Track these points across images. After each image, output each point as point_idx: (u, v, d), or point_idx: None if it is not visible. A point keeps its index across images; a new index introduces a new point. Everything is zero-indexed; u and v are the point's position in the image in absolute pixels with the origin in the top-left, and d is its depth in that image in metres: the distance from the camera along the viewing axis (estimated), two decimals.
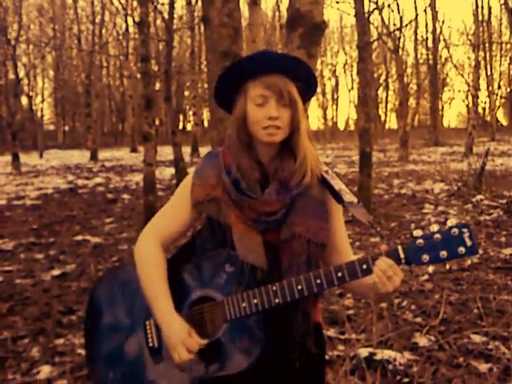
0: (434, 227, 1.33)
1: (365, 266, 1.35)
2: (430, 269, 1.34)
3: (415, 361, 3.19)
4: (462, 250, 1.29)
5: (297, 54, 2.87)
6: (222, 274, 1.44)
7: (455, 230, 1.30)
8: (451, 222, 1.32)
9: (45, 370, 3.25)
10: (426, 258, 1.32)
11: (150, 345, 1.50)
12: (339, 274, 1.35)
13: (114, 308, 1.59)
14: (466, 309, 4.07)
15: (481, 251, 5.70)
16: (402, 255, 1.34)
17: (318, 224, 1.47)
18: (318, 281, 1.36)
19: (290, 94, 1.43)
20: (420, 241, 1.32)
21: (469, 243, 1.29)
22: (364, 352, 3.19)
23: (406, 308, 4.13)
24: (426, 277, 4.87)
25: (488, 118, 35.60)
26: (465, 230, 1.30)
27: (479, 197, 9.07)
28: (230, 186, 1.45)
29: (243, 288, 1.40)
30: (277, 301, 1.38)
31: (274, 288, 1.38)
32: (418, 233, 1.34)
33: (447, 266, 1.33)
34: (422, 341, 3.48)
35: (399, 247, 1.34)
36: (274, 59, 1.44)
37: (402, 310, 4.10)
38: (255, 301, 1.38)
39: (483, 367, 3.08)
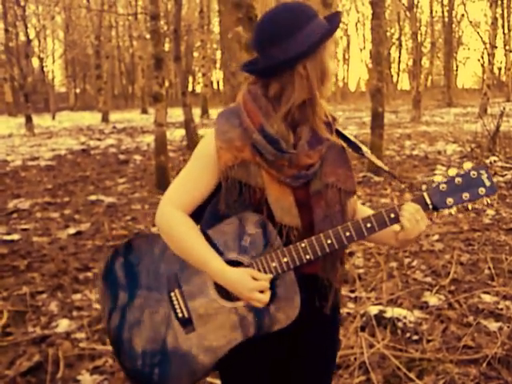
0: (453, 171, 1.40)
1: (392, 215, 1.39)
2: (453, 211, 1.41)
3: (425, 319, 3.24)
4: (482, 190, 1.38)
5: (312, 3, 2.81)
6: (245, 237, 1.41)
7: (474, 173, 1.38)
8: (467, 165, 1.40)
9: (63, 324, 3.36)
10: (450, 201, 1.39)
11: (180, 315, 1.46)
12: (368, 225, 1.38)
13: (133, 281, 1.52)
14: (477, 269, 4.09)
15: (493, 212, 5.69)
16: (428, 201, 1.40)
17: (345, 172, 1.48)
18: (348, 233, 1.38)
19: None
20: (443, 185, 1.39)
21: (488, 184, 1.38)
22: (374, 310, 3.25)
23: (416, 267, 4.16)
24: (436, 237, 4.89)
25: (504, 78, 34.81)
26: (483, 171, 1.38)
27: (493, 158, 8.96)
28: (267, 146, 1.37)
29: (274, 249, 1.39)
30: (308, 257, 1.38)
31: (303, 245, 1.38)
32: (439, 178, 1.40)
33: (469, 207, 1.41)
34: (432, 300, 3.51)
35: (425, 193, 1.40)
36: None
37: (412, 269, 4.14)
38: (285, 259, 1.38)
39: (493, 326, 3.11)
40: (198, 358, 1.46)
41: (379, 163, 1.53)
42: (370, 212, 1.51)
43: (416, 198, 1.40)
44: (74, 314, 3.53)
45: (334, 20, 1.41)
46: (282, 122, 1.40)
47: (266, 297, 1.36)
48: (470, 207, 1.41)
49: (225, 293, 1.43)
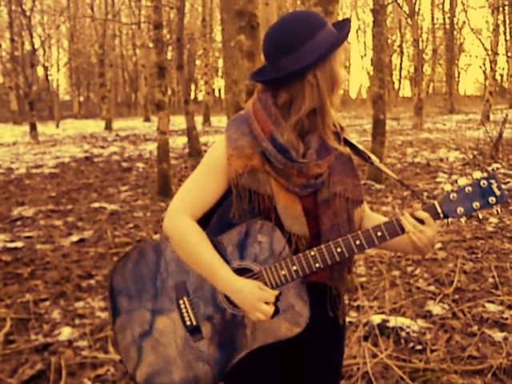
0: (463, 180, 1.41)
1: None
2: (463, 220, 1.42)
3: (428, 328, 3.21)
4: (492, 199, 1.39)
5: (313, 10, 2.82)
6: (255, 245, 1.41)
7: (484, 182, 1.39)
8: (477, 174, 1.41)
9: (66, 332, 3.35)
10: (460, 210, 1.40)
11: (188, 323, 1.45)
12: (379, 234, 1.38)
13: (141, 289, 1.51)
14: (481, 278, 4.06)
15: (496, 220, 5.68)
16: (439, 210, 1.40)
17: (352, 181, 1.49)
18: (358, 242, 1.38)
19: None
20: (454, 195, 1.40)
21: (498, 193, 1.39)
22: (377, 319, 3.22)
23: (419, 276, 4.14)
24: (439, 245, 4.87)
25: (506, 85, 34.85)
26: (492, 181, 1.39)
27: (495, 165, 8.93)
28: (276, 154, 1.38)
29: (284, 257, 1.39)
30: (317, 265, 1.38)
31: (313, 253, 1.38)
32: (449, 187, 1.42)
33: (480, 216, 1.42)
34: (436, 309, 3.49)
35: (435, 202, 1.40)
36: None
37: (415, 278, 4.11)
38: (295, 268, 1.38)
39: (498, 336, 3.09)
40: (205, 368, 1.45)
41: (389, 172, 1.53)
42: (382, 219, 1.51)
43: (427, 206, 1.40)
44: (77, 321, 3.52)
45: (344, 28, 1.40)
46: (292, 131, 1.40)
47: (271, 310, 1.36)
48: (480, 216, 1.42)
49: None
